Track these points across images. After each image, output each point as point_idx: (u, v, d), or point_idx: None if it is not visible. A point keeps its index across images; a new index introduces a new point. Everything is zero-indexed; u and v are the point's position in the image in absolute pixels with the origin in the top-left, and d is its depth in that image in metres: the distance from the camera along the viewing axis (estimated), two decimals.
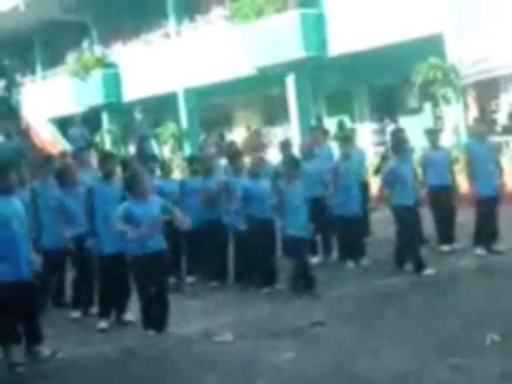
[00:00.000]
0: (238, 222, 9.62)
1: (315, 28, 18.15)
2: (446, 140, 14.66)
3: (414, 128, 14.43)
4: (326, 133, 13.29)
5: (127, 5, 23.88)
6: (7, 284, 6.96)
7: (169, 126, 22.65)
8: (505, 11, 15.20)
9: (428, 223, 10.69)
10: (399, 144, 9.94)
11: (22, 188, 8.76)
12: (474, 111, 16.21)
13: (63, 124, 25.09)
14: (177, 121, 22.92)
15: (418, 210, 10.26)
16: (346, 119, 19.17)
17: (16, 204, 7.29)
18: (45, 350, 7.30)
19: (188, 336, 7.70)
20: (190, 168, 10.82)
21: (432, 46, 15.79)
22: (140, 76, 23.73)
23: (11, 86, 29.06)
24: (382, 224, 11.44)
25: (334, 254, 10.87)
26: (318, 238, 10.90)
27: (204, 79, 21.40)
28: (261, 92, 21.89)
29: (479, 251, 9.99)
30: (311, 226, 9.40)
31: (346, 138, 11.14)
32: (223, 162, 11.39)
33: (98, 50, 26.00)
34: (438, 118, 17.59)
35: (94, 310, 8.78)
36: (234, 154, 10.41)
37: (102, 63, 25.24)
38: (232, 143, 12.87)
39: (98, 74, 25.03)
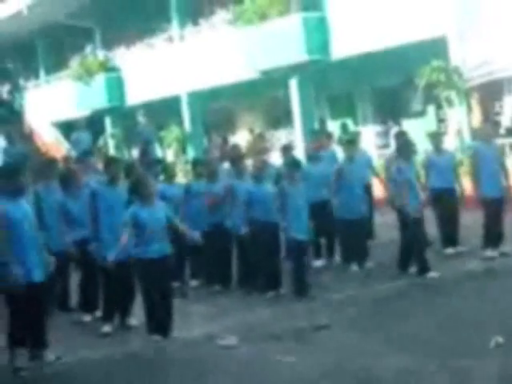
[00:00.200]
0: (240, 225, 9.62)
1: (318, 31, 18.13)
2: (450, 143, 14.63)
3: (417, 131, 14.41)
4: (329, 136, 13.31)
5: (130, 9, 23.89)
6: (20, 287, 6.96)
7: (172, 130, 22.64)
8: (508, 14, 15.18)
9: (431, 226, 10.67)
10: (404, 146, 9.95)
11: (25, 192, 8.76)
12: (477, 114, 16.19)
13: (67, 128, 25.09)
14: (180, 124, 22.92)
15: (423, 213, 10.25)
16: (350, 122, 19.16)
17: (25, 206, 7.31)
18: (49, 355, 7.29)
19: (192, 340, 7.69)
20: (194, 172, 10.82)
21: (435, 48, 15.77)
22: (143, 80, 23.74)
23: (15, 90, 29.15)
24: (387, 226, 11.41)
25: (337, 257, 10.87)
26: (322, 240, 10.91)
27: (207, 83, 21.40)
28: (264, 95, 21.87)
29: (489, 253, 9.95)
30: (313, 228, 9.42)
31: (350, 141, 11.14)
32: (226, 165, 11.40)
33: (101, 54, 26.02)
34: (441, 120, 17.56)
35: (98, 313, 8.78)
36: (236, 157, 10.44)
37: (106, 67, 25.25)
38: (235, 146, 12.90)
39: (101, 78, 25.04)
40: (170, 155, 22.41)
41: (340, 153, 11.88)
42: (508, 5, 15.16)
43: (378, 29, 16.80)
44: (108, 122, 26.10)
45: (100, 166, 11.41)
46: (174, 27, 23.10)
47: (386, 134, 19.26)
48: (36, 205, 8.94)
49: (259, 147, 13.84)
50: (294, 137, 20.04)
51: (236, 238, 9.94)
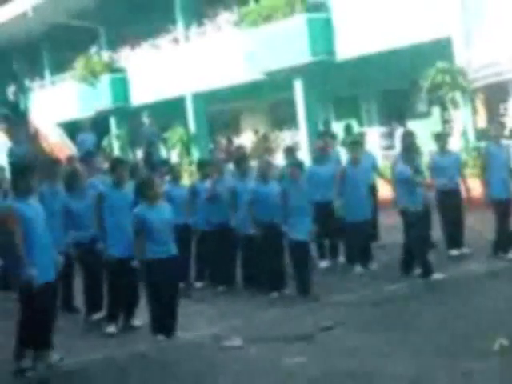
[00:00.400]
0: (246, 226, 9.63)
1: (323, 32, 18.12)
2: (454, 144, 14.61)
3: (422, 132, 14.39)
4: (333, 137, 13.31)
5: (135, 10, 23.91)
6: (38, 287, 6.97)
7: (177, 131, 22.66)
8: None
9: (436, 227, 10.66)
10: (406, 147, 9.94)
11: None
12: (482, 115, 16.17)
13: (72, 129, 25.12)
14: (185, 125, 22.93)
15: (428, 214, 10.24)
16: (354, 123, 19.14)
17: (37, 206, 7.34)
18: (53, 355, 7.30)
19: (197, 341, 7.69)
20: (200, 173, 10.82)
21: (440, 49, 15.75)
22: (148, 81, 23.77)
23: (20, 91, 29.22)
24: (392, 228, 11.40)
25: (341, 258, 10.87)
26: (326, 242, 10.90)
27: (212, 84, 21.41)
28: (269, 97, 21.87)
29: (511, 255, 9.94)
30: (316, 229, 9.43)
31: (354, 142, 11.12)
32: (231, 166, 11.40)
33: (106, 55, 26.06)
34: (446, 121, 17.54)
35: (103, 314, 8.78)
36: (239, 158, 10.47)
37: (110, 68, 25.29)
38: (240, 147, 12.91)
39: (105, 79, 25.07)
40: (174, 156, 22.42)
41: (344, 154, 11.87)
42: None
43: (382, 30, 16.78)
44: (113, 122, 26.13)
45: (105, 166, 11.44)
46: (179, 28, 23.12)
47: (390, 135, 19.25)
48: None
49: (264, 148, 13.87)
50: (299, 138, 20.05)
51: (241, 239, 9.94)
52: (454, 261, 10.20)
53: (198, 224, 10.16)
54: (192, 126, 22.91)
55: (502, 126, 11.50)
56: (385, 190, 11.49)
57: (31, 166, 7.76)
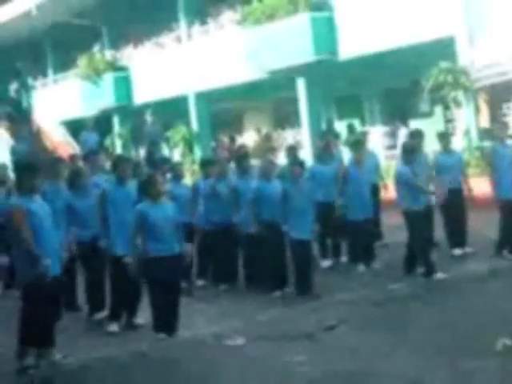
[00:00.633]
0: (247, 224, 9.63)
1: (326, 31, 18.11)
2: (457, 143, 14.60)
3: (424, 131, 14.37)
4: (336, 136, 13.30)
5: (138, 8, 23.92)
6: (47, 282, 6.99)
7: (179, 130, 22.66)
8: None
9: (439, 227, 10.65)
10: (411, 148, 9.93)
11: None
12: (485, 115, 16.16)
13: (74, 127, 25.14)
14: (187, 124, 22.93)
15: (431, 214, 10.23)
16: (357, 123, 19.14)
17: (42, 203, 7.35)
18: (56, 354, 7.30)
19: (199, 339, 7.69)
20: (203, 172, 10.82)
21: (443, 49, 15.74)
22: (151, 79, 23.77)
23: (23, 89, 29.21)
24: (395, 227, 11.39)
25: (344, 257, 10.86)
26: (328, 241, 10.90)
27: (215, 83, 21.41)
28: (271, 95, 21.87)
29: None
30: (318, 228, 9.43)
31: (357, 142, 11.11)
32: (233, 164, 11.40)
33: (109, 54, 26.07)
34: (448, 121, 17.53)
35: (105, 312, 8.78)
36: (240, 156, 10.47)
37: (113, 66, 25.31)
38: (242, 146, 12.92)
39: (108, 77, 25.08)
40: (176, 155, 22.42)
41: (346, 154, 11.86)
42: None
43: (385, 29, 16.77)
44: (116, 121, 26.15)
45: (107, 164, 11.43)
46: (182, 27, 23.12)
47: (393, 134, 19.23)
48: None
49: (266, 147, 13.87)
50: (301, 137, 20.04)
51: (242, 238, 9.94)
52: (456, 260, 10.19)
53: (200, 223, 10.18)
54: (195, 124, 22.91)
55: (505, 126, 11.49)
56: (389, 190, 11.48)
57: (35, 164, 7.75)
